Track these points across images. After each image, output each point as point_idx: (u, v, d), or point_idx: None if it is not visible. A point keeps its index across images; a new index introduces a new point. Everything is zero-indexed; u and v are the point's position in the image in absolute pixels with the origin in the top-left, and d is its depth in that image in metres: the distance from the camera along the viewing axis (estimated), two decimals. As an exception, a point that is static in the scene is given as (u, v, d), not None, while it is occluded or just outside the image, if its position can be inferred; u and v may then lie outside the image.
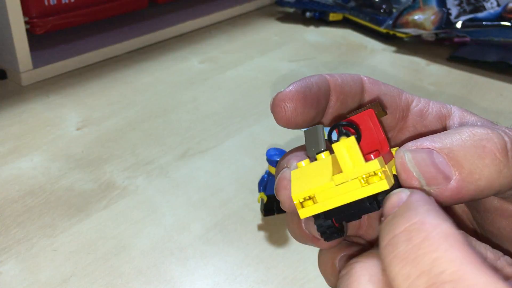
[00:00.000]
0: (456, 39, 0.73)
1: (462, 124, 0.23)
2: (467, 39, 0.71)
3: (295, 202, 0.20)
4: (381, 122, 0.22)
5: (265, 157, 0.48)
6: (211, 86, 0.63)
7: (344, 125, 0.20)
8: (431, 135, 0.19)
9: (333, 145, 0.19)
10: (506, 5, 0.68)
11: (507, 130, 0.19)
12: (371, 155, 0.20)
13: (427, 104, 0.24)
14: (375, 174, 0.19)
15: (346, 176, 0.19)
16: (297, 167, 0.21)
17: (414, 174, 0.19)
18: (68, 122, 0.54)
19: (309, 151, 0.22)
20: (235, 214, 0.42)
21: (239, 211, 0.42)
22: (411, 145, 0.19)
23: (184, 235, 0.40)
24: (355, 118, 0.21)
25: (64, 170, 0.46)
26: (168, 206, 0.43)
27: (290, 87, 0.22)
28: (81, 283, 0.35)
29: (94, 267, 0.36)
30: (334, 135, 0.21)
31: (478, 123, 0.23)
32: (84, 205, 0.42)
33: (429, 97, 0.62)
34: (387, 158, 0.20)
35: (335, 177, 0.19)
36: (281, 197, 0.21)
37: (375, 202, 0.19)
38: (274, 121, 0.22)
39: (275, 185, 0.22)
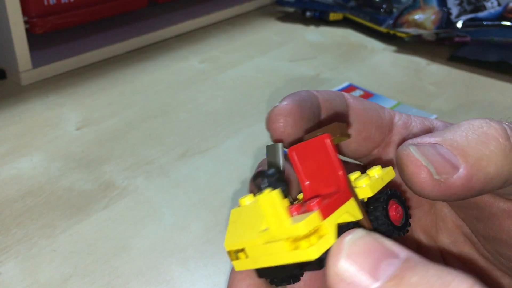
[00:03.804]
0: (456, 39, 0.73)
1: None
2: (468, 38, 0.71)
3: (227, 251, 0.17)
4: (339, 148, 0.19)
5: (265, 157, 0.48)
6: (211, 86, 0.63)
7: (270, 175, 0.17)
8: (430, 133, 0.19)
9: (257, 198, 0.16)
10: (507, 4, 0.68)
11: (504, 121, 0.19)
12: (314, 203, 0.16)
13: (409, 118, 0.24)
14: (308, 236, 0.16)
15: (272, 235, 0.16)
16: (239, 205, 0.19)
17: (423, 162, 0.17)
18: (68, 122, 0.54)
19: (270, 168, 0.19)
20: (235, 214, 0.42)
21: (239, 211, 0.42)
22: (412, 141, 0.18)
23: (184, 235, 0.39)
24: (307, 144, 0.18)
25: (63, 170, 0.46)
26: (168, 206, 0.43)
27: (286, 102, 0.21)
28: (81, 283, 0.35)
29: (94, 267, 0.36)
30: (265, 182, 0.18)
31: None
32: (83, 205, 0.42)
33: (430, 97, 0.62)
34: (341, 199, 0.17)
35: (263, 234, 0.16)
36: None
37: (300, 269, 0.16)
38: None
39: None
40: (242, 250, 0.17)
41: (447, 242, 0.24)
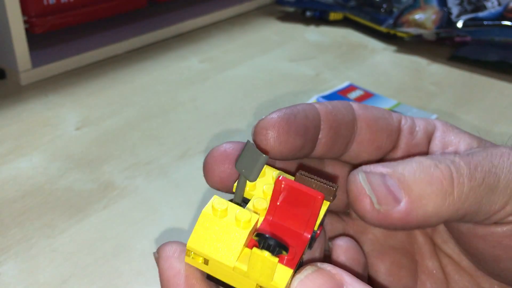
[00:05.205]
0: (457, 39, 0.73)
1: (444, 146, 0.23)
2: (468, 38, 0.71)
3: (187, 248, 0.18)
4: (323, 213, 0.19)
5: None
6: (211, 85, 0.62)
7: (274, 244, 0.18)
8: (386, 162, 0.20)
9: (253, 252, 0.17)
10: (507, 4, 0.68)
11: (457, 160, 0.19)
12: (291, 261, 0.17)
13: (413, 121, 0.24)
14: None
15: (247, 275, 0.17)
16: (211, 210, 0.19)
17: (367, 191, 0.19)
18: (67, 122, 0.54)
19: (239, 166, 0.19)
20: (235, 214, 0.42)
21: (239, 212, 0.42)
22: (365, 167, 0.20)
23: (184, 236, 0.39)
24: (301, 188, 0.18)
25: (63, 170, 0.46)
26: (168, 207, 0.42)
27: (273, 115, 0.21)
28: (80, 283, 0.35)
29: (93, 268, 0.36)
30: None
31: (461, 144, 0.23)
32: (83, 205, 0.42)
33: (430, 97, 0.62)
34: (301, 251, 0.18)
35: (238, 266, 0.17)
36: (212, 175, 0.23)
37: None
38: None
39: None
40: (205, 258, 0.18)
41: (439, 242, 0.24)
